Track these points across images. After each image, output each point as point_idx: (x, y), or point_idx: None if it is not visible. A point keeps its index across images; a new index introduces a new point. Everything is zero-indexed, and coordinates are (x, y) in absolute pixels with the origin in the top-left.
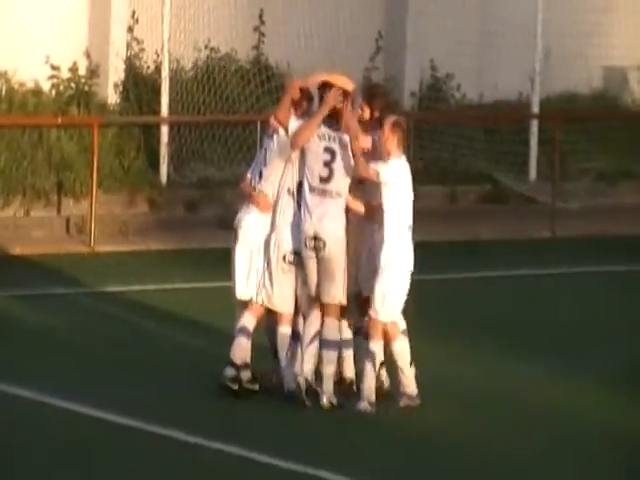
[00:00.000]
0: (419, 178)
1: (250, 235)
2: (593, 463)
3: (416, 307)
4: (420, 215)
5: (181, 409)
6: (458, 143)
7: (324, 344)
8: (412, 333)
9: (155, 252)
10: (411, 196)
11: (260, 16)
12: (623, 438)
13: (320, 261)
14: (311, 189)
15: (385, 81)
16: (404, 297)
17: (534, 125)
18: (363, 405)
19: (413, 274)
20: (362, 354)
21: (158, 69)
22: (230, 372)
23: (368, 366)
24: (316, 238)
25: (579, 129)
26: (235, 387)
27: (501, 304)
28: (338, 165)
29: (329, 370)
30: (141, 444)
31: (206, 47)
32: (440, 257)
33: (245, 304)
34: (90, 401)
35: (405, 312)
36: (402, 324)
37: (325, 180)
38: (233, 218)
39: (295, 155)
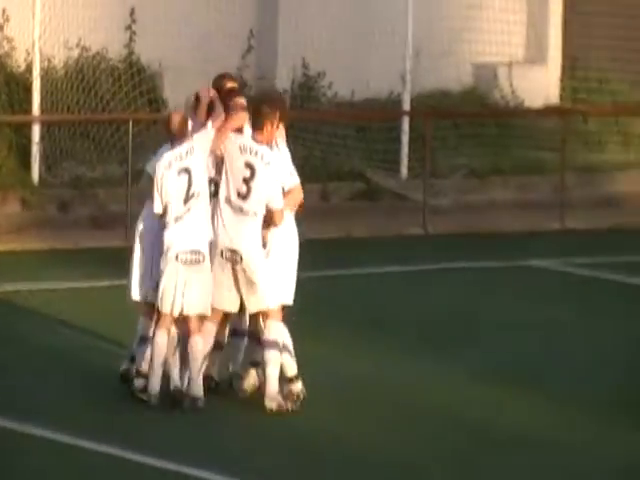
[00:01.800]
0: None
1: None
2: (469, 460)
3: (292, 305)
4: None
5: (55, 410)
6: (330, 141)
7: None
8: (290, 331)
9: (28, 252)
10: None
11: (131, 14)
12: (497, 434)
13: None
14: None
15: (257, 80)
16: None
17: (405, 123)
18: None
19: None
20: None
21: (29, 68)
22: (140, 383)
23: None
24: (232, 250)
25: (449, 126)
26: (145, 397)
27: (373, 301)
28: (257, 183)
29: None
30: (15, 446)
31: (77, 46)
32: (313, 254)
33: (146, 310)
34: None
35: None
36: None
37: (243, 197)
38: (106, 217)
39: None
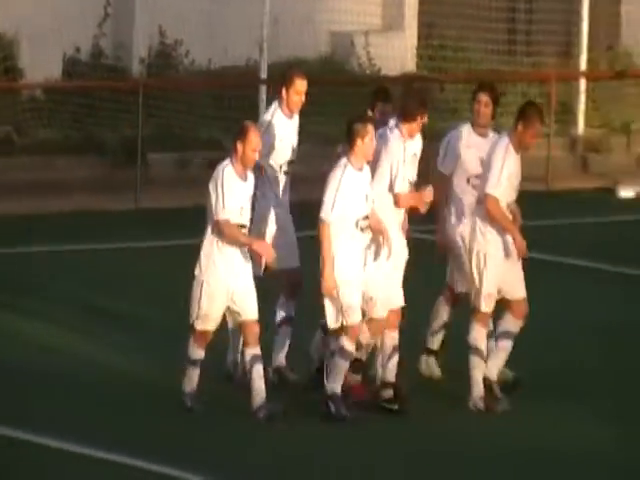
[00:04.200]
0: (149, 145)
1: None
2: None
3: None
4: (148, 183)
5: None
6: (187, 110)
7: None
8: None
9: None
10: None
11: None
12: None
13: None
14: None
15: (114, 48)
16: None
17: (262, 91)
18: None
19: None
20: None
21: None
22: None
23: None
24: None
25: (308, 94)
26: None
27: None
28: None
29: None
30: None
31: None
32: (169, 224)
33: None
34: None
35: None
36: None
37: None
38: None
39: None
